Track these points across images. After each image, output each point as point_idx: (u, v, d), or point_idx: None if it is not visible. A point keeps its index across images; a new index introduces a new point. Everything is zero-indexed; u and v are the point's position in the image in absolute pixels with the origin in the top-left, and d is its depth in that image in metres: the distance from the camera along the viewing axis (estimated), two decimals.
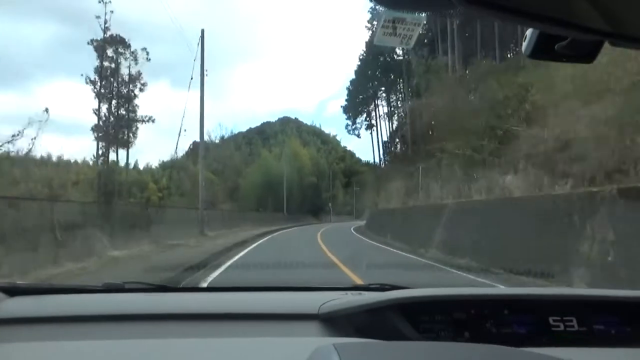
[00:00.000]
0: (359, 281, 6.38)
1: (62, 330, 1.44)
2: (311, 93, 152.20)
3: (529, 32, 0.69)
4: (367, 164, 66.67)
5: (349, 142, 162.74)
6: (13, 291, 1.68)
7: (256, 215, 39.77)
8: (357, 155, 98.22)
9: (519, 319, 1.43)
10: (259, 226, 30.13)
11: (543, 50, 0.69)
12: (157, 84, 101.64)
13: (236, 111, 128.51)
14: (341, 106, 61.05)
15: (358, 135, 64.39)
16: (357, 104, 58.41)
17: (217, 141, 55.42)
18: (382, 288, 1.84)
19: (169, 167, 50.37)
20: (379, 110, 59.37)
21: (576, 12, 0.55)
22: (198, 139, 44.65)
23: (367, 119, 60.96)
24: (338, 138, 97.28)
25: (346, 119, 61.95)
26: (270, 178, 53.42)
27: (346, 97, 61.61)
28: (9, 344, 1.20)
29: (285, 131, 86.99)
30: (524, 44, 0.70)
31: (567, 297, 1.55)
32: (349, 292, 1.76)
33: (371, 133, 59.94)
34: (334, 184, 73.01)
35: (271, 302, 1.73)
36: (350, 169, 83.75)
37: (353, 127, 61.99)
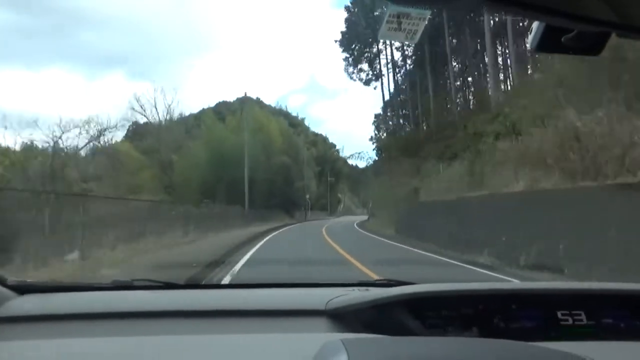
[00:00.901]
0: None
1: (72, 327, 1.45)
2: (273, 86, 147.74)
3: (535, 25, 0.69)
4: (374, 137, 51.49)
5: (318, 127, 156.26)
6: (23, 289, 1.69)
7: (197, 212, 22.00)
8: (330, 140, 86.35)
9: (527, 313, 1.42)
10: (195, 232, 17.42)
11: (549, 43, 0.69)
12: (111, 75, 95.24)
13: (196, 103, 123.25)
14: (335, 40, 46.93)
15: (366, 83, 48.47)
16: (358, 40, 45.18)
17: (162, 122, 40.43)
18: (389, 284, 1.84)
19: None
20: (387, 54, 45.24)
21: (582, 4, 0.55)
22: (137, 120, 36.13)
23: (371, 67, 46.61)
24: (306, 123, 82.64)
25: (345, 59, 47.13)
26: (223, 157, 36.12)
27: (345, 27, 45.36)
28: (20, 342, 1.22)
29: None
30: (530, 37, 0.70)
31: (576, 291, 1.55)
32: (355, 288, 1.76)
33: (382, 91, 46.61)
34: (302, 177, 54.31)
35: (278, 298, 1.74)
36: (323, 157, 71.73)
37: (356, 69, 47.07)
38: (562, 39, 0.67)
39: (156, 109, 39.39)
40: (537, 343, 1.03)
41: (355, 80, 49.58)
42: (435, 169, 24.04)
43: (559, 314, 1.42)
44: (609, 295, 1.50)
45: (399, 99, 46.43)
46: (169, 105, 40.08)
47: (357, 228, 31.24)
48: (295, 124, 70.31)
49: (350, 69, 48.11)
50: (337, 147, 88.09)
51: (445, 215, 15.11)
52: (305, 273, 7.71)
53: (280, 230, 26.52)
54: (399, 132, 45.54)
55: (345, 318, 1.44)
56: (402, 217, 23.47)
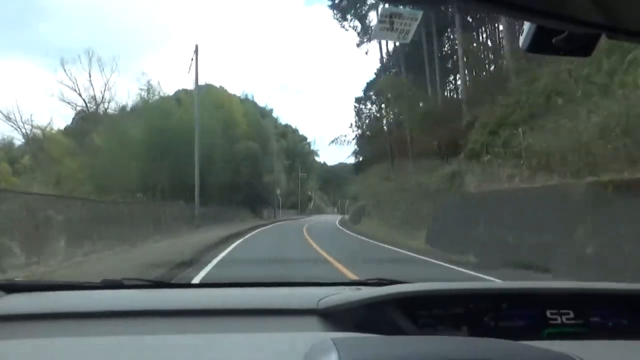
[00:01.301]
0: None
1: (61, 327, 1.44)
2: (240, 80, 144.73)
3: (526, 26, 0.69)
4: (354, 124, 45.05)
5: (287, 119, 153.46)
6: (10, 288, 1.67)
7: (108, 212, 15.13)
8: (300, 132, 79.81)
9: (517, 312, 1.44)
10: (90, 245, 11.47)
11: (540, 45, 0.70)
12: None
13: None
14: None
15: (362, 35, 39.19)
16: None
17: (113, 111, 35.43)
18: (381, 283, 1.84)
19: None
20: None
21: (573, 6, 0.56)
22: (81, 109, 33.33)
23: (363, 24, 38.02)
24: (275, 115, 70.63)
25: (331, 6, 39.23)
26: (170, 141, 26.75)
27: None
28: (7, 341, 1.20)
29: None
30: (522, 38, 0.71)
31: (564, 290, 1.57)
32: (347, 287, 1.77)
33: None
34: (272, 170, 46.70)
35: (269, 297, 1.74)
36: (294, 150, 66.02)
37: (346, 20, 38.99)
38: (553, 40, 0.67)
39: (103, 98, 35.03)
40: (526, 342, 1.04)
41: (347, 30, 44.00)
42: (501, 139, 14.76)
43: (548, 313, 1.43)
44: (597, 295, 1.52)
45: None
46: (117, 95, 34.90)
47: (354, 235, 23.69)
48: (263, 114, 56.47)
49: (341, 16, 39.81)
50: (309, 140, 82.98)
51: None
52: None
53: (246, 236, 19.42)
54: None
55: (336, 317, 1.45)
56: (438, 219, 15.23)
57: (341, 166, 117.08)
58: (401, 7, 1.31)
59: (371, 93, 43.27)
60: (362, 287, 1.74)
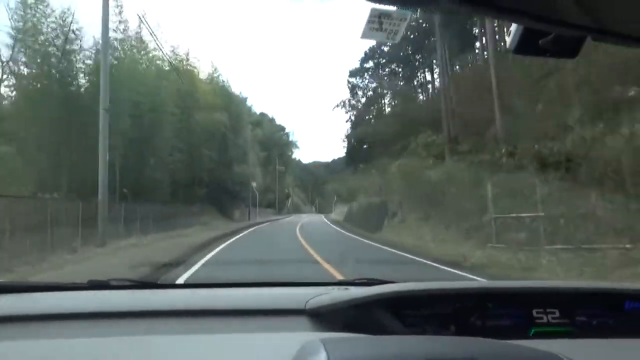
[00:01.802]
0: None
1: (47, 328, 1.42)
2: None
3: (513, 27, 0.70)
4: (347, 103, 40.67)
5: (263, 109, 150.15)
6: None
7: None
8: (277, 121, 70.64)
9: (504, 312, 1.46)
10: None
11: (527, 46, 0.71)
12: None
13: None
14: None
15: None
16: None
17: None
18: (369, 283, 1.86)
19: None
20: None
21: (559, 9, 0.56)
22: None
23: None
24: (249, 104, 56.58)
25: None
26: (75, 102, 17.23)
27: None
28: None
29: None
30: (509, 40, 0.72)
31: (550, 289, 1.58)
32: (335, 287, 1.77)
33: None
34: (246, 160, 37.40)
35: (258, 297, 1.73)
36: (270, 140, 57.14)
37: None
38: (540, 42, 0.69)
39: None
40: (513, 341, 1.06)
41: None
42: None
43: (534, 312, 1.45)
44: (582, 294, 1.54)
45: None
46: None
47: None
48: (236, 102, 40.77)
49: None
50: (287, 131, 74.94)
51: None
52: None
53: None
54: None
55: (325, 317, 1.45)
56: None
57: (316, 165, 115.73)
58: (390, 7, 1.32)
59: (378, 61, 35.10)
60: (351, 287, 1.75)
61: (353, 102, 41.79)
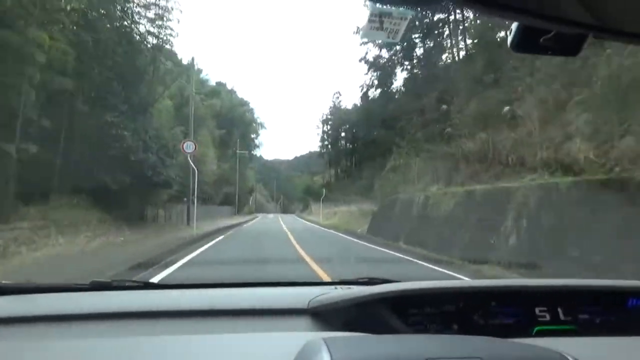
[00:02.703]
0: None
1: (50, 329, 1.41)
2: None
3: (514, 25, 0.70)
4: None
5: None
6: None
7: None
8: (238, 94, 54.06)
9: (506, 310, 1.46)
10: None
11: (528, 44, 0.71)
12: None
13: None
14: None
15: None
16: None
17: None
18: (371, 282, 1.86)
19: None
20: None
21: (561, 6, 0.56)
22: None
23: None
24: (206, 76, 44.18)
25: None
26: None
27: None
28: None
29: None
30: (509, 38, 0.72)
31: (553, 287, 1.58)
32: (338, 287, 1.77)
33: None
34: (195, 136, 24.16)
35: (260, 297, 1.73)
36: (229, 116, 44.31)
37: None
38: (541, 40, 0.69)
39: None
40: (516, 340, 1.07)
41: None
42: None
43: (537, 310, 1.46)
44: (584, 292, 1.55)
45: None
46: None
47: None
48: (178, 64, 29.61)
49: None
50: (251, 106, 58.91)
51: None
52: None
53: None
54: None
55: (327, 316, 1.45)
56: None
57: (278, 162, 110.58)
58: (390, 6, 1.32)
59: None
60: (353, 287, 1.75)
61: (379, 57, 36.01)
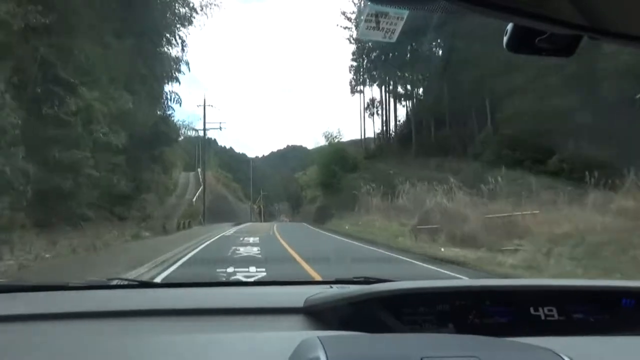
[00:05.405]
0: None
1: (45, 327, 1.42)
2: None
3: (509, 26, 0.70)
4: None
5: None
6: None
7: None
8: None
9: (501, 309, 1.46)
10: None
11: (523, 45, 0.71)
12: None
13: None
14: None
15: None
16: None
17: None
18: (366, 281, 1.86)
19: None
20: None
21: (556, 7, 0.56)
22: None
23: None
24: None
25: None
26: None
27: None
28: None
29: None
30: (505, 39, 0.71)
31: (547, 287, 1.59)
32: (333, 286, 1.77)
33: None
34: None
35: (256, 296, 1.73)
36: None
37: None
38: (536, 41, 0.69)
39: None
40: (510, 338, 1.06)
41: None
42: None
43: (531, 309, 1.46)
44: (579, 291, 1.55)
45: None
46: None
47: None
48: None
49: None
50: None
51: None
52: None
53: None
54: None
55: (323, 315, 1.45)
56: None
57: (247, 158, 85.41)
58: (387, 6, 1.33)
59: None
60: (348, 286, 1.75)
61: None
